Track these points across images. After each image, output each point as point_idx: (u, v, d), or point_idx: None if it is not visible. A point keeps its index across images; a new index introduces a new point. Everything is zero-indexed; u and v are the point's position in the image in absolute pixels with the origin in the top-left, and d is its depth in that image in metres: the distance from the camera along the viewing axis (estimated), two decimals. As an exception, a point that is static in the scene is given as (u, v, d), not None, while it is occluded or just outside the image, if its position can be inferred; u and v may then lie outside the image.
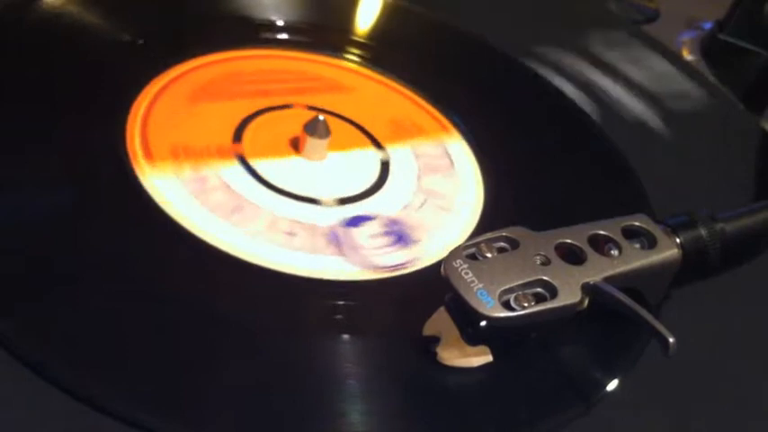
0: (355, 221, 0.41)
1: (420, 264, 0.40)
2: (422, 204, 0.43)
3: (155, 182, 0.40)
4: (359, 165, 0.44)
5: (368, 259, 0.39)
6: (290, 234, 0.39)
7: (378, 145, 0.45)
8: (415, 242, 0.41)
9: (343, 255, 0.39)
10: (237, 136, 0.43)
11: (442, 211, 0.43)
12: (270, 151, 0.43)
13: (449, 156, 0.46)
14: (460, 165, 0.46)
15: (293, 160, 0.43)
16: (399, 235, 0.41)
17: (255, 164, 0.42)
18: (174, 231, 0.38)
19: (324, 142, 0.43)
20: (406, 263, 0.40)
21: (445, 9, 0.55)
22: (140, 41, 0.46)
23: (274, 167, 0.42)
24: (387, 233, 0.41)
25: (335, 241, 0.39)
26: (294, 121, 0.44)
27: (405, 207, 0.42)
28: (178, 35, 0.48)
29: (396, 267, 0.39)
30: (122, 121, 0.42)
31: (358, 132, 0.46)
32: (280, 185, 0.41)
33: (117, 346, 0.33)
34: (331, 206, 0.41)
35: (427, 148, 0.46)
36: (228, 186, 0.41)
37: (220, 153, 0.42)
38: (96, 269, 0.36)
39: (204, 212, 0.39)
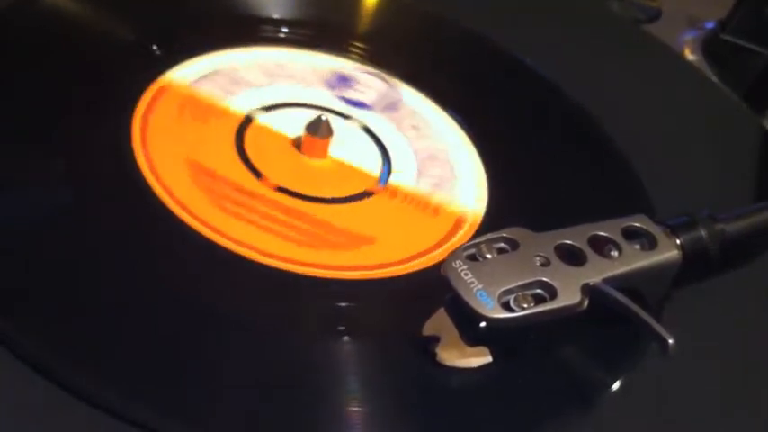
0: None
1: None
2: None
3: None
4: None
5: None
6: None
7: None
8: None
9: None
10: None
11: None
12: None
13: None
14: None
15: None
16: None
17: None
18: (177, 229, 0.38)
19: (326, 141, 0.43)
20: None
21: (447, 7, 0.55)
22: (155, 47, 0.47)
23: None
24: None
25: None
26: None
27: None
28: (180, 34, 0.48)
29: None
30: (126, 120, 0.42)
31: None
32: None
33: (117, 346, 0.33)
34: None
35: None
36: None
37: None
38: (97, 269, 0.36)
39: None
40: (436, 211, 0.43)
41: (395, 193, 0.43)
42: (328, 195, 0.42)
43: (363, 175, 0.44)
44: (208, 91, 0.45)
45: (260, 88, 0.46)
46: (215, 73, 0.47)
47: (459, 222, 0.42)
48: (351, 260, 0.39)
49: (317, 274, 0.38)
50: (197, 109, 0.44)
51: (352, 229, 0.41)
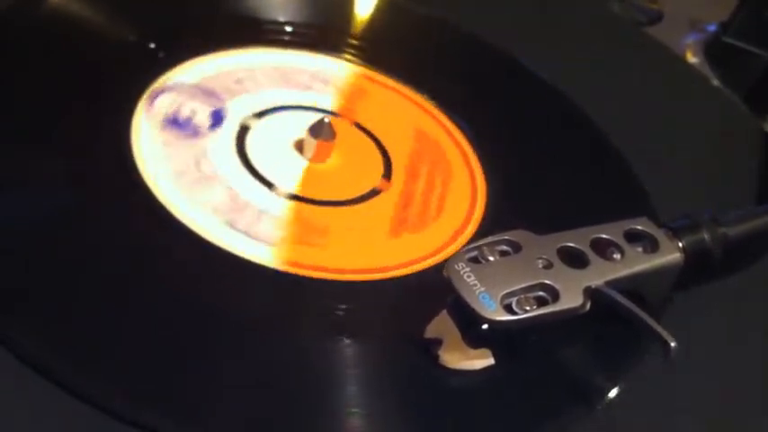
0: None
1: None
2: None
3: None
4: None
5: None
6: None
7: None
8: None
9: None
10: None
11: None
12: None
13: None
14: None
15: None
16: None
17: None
18: (176, 230, 0.38)
19: (329, 144, 0.43)
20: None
21: (446, 10, 0.55)
22: (152, 45, 0.46)
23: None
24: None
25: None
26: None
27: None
28: (183, 34, 0.48)
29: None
30: (127, 121, 0.42)
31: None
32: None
33: (117, 346, 0.33)
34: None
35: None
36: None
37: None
38: (97, 269, 0.36)
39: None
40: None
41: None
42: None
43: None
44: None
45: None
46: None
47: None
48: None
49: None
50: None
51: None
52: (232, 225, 0.39)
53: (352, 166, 0.44)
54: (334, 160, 0.43)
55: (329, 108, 0.46)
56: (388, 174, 0.44)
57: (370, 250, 0.40)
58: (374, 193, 0.43)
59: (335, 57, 0.50)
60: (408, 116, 0.48)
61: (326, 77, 0.48)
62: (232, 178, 0.41)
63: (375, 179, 0.43)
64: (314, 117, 0.44)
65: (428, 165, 0.45)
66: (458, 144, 0.47)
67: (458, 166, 0.45)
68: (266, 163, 0.42)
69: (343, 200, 0.42)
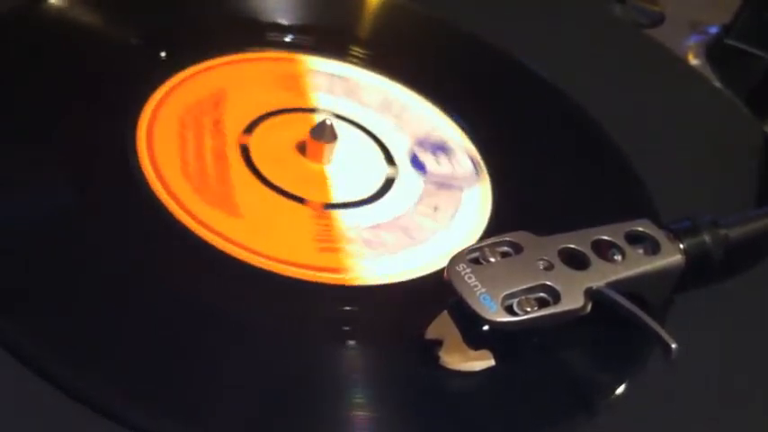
0: (417, 164, 0.44)
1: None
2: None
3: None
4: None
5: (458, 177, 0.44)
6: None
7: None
8: (444, 142, 0.45)
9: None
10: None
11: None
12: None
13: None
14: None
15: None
16: (435, 147, 0.44)
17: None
18: (178, 232, 0.38)
19: (331, 146, 0.43)
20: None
21: (449, 12, 0.55)
22: (162, 54, 0.46)
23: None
24: (432, 152, 0.44)
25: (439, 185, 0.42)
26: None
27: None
28: (187, 37, 0.48)
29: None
30: (132, 124, 0.42)
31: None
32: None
33: (118, 347, 0.33)
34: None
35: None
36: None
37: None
38: (97, 270, 0.36)
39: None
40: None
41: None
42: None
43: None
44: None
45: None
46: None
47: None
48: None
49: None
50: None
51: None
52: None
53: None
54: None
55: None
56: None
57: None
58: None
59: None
60: None
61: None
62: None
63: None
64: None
65: None
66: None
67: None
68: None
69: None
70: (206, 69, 0.47)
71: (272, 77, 0.48)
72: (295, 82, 0.48)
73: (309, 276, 0.38)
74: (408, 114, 0.48)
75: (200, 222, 0.39)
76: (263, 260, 0.38)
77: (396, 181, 0.44)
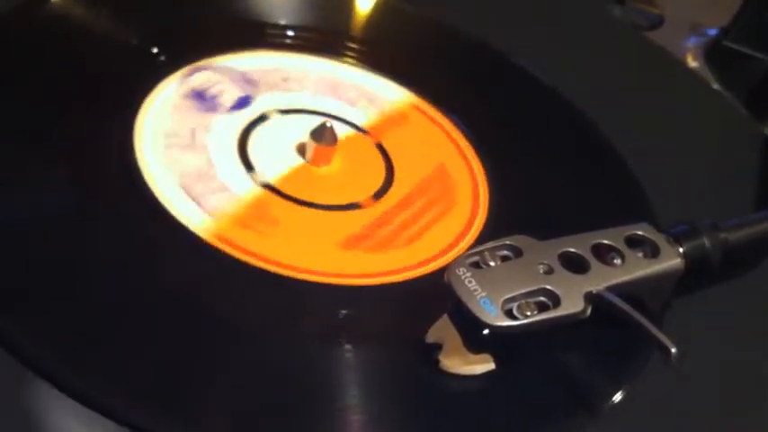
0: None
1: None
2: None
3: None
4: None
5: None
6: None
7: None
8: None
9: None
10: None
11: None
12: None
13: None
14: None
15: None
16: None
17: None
18: (177, 232, 0.38)
19: (329, 149, 0.43)
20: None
21: (447, 13, 0.55)
22: (158, 53, 0.47)
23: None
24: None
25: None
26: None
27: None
28: (186, 37, 0.48)
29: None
30: (130, 123, 0.42)
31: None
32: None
33: (118, 347, 0.33)
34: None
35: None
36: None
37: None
38: (97, 270, 0.36)
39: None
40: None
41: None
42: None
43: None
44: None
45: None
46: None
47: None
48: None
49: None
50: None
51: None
52: (187, 191, 0.39)
53: (348, 178, 0.43)
54: (333, 168, 0.43)
55: (360, 124, 0.46)
56: (380, 195, 0.43)
57: (308, 253, 0.39)
58: (353, 206, 0.42)
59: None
60: (437, 151, 0.47)
61: (374, 97, 0.48)
62: (217, 153, 0.42)
63: (363, 196, 0.43)
64: (338, 126, 0.44)
65: (429, 198, 0.44)
66: (473, 177, 0.46)
67: (463, 201, 0.44)
68: (262, 152, 0.43)
69: (316, 203, 0.41)
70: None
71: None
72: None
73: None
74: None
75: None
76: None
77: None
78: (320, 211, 0.41)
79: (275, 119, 0.45)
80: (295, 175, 0.42)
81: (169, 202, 0.39)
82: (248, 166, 0.42)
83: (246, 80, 0.46)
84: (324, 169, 0.43)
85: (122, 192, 0.39)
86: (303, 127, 0.44)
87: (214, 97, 0.45)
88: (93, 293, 0.35)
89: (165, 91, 0.44)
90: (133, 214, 0.39)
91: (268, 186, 0.41)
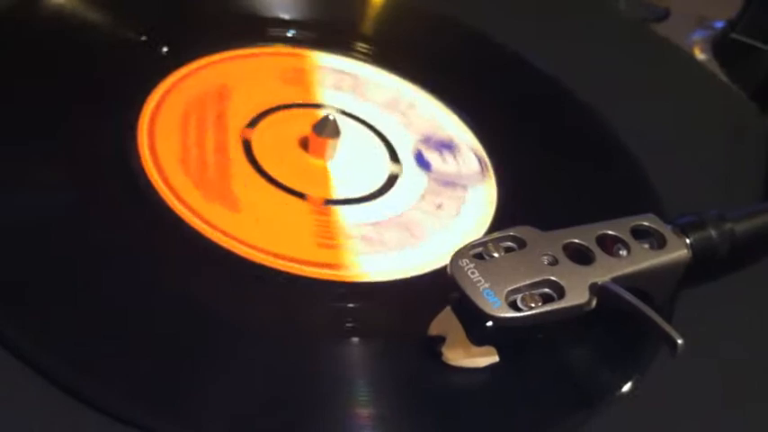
0: (422, 161, 0.44)
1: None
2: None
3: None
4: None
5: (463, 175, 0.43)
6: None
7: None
8: (451, 140, 0.45)
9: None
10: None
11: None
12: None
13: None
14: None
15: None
16: (441, 144, 0.44)
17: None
18: (180, 230, 0.38)
19: (333, 142, 0.43)
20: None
21: (453, 8, 0.55)
22: (143, 38, 0.46)
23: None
24: (437, 150, 0.44)
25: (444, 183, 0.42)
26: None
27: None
28: (187, 34, 0.48)
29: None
30: (133, 121, 0.42)
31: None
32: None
33: (119, 346, 0.33)
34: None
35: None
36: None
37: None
38: (99, 270, 0.35)
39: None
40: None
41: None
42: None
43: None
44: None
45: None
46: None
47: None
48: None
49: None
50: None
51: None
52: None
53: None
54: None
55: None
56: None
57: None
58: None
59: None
60: None
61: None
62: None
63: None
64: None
65: None
66: None
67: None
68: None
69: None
70: (211, 64, 0.46)
71: (278, 72, 0.48)
72: (301, 77, 0.48)
73: (308, 272, 0.37)
74: (415, 112, 0.47)
75: (201, 218, 0.38)
76: (262, 255, 0.38)
77: (399, 178, 0.43)
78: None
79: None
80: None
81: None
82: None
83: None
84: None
85: (123, 187, 0.39)
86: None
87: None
88: (95, 294, 0.34)
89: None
90: (134, 210, 0.38)
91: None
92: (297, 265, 0.38)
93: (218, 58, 0.47)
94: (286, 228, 0.39)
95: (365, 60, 0.50)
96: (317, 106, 0.46)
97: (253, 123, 0.44)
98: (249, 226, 0.39)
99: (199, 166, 0.41)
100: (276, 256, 0.38)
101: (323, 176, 0.42)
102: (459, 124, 0.47)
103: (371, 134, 0.45)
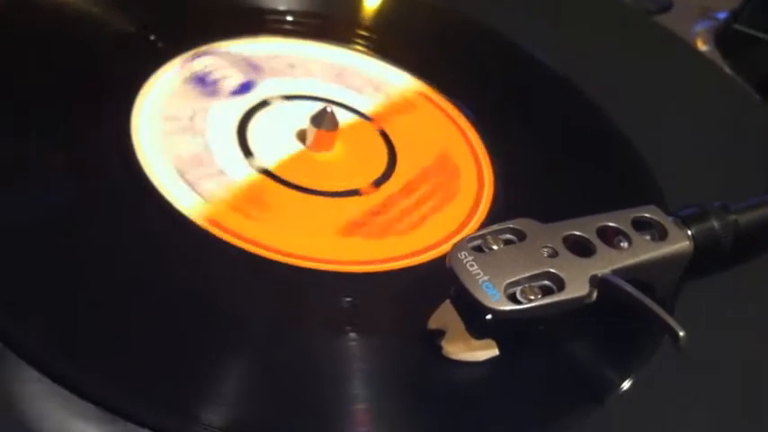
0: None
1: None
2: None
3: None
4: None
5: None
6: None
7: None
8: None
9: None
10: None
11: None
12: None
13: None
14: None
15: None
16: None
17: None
18: (178, 225, 0.38)
19: (329, 134, 0.43)
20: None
21: (457, 0, 0.54)
22: (139, 31, 0.46)
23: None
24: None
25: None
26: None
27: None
28: (183, 24, 0.48)
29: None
30: (127, 113, 0.41)
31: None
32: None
33: (119, 345, 0.33)
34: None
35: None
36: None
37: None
38: (98, 267, 0.35)
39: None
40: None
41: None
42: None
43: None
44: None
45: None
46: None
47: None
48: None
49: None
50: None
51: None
52: (181, 174, 0.39)
53: (349, 164, 0.43)
54: (334, 155, 0.43)
55: (364, 110, 0.46)
56: (381, 182, 0.42)
57: (306, 239, 0.38)
58: (353, 193, 0.41)
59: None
60: (442, 139, 0.46)
61: (380, 84, 0.48)
62: (215, 138, 0.42)
63: (364, 183, 0.42)
64: (342, 113, 0.44)
65: (432, 185, 0.43)
66: (478, 164, 0.45)
67: (467, 189, 0.44)
68: (261, 138, 0.42)
69: (314, 189, 0.41)
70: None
71: None
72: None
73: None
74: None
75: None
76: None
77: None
78: (318, 197, 0.41)
79: (278, 105, 0.45)
80: (294, 160, 0.42)
81: (163, 186, 0.39)
82: (247, 152, 0.42)
83: (250, 65, 0.46)
84: (324, 155, 0.43)
85: (116, 175, 0.39)
86: (306, 113, 0.43)
87: (216, 82, 0.44)
88: (95, 292, 0.34)
89: (166, 75, 0.44)
90: (125, 197, 0.38)
91: (265, 172, 0.41)
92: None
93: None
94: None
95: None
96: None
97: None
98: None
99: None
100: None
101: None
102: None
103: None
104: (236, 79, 0.45)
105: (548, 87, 0.52)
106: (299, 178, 0.41)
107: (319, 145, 0.42)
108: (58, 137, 0.40)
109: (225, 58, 0.46)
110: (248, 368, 0.33)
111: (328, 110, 0.42)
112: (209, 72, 0.45)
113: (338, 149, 0.43)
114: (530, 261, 0.34)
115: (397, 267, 0.38)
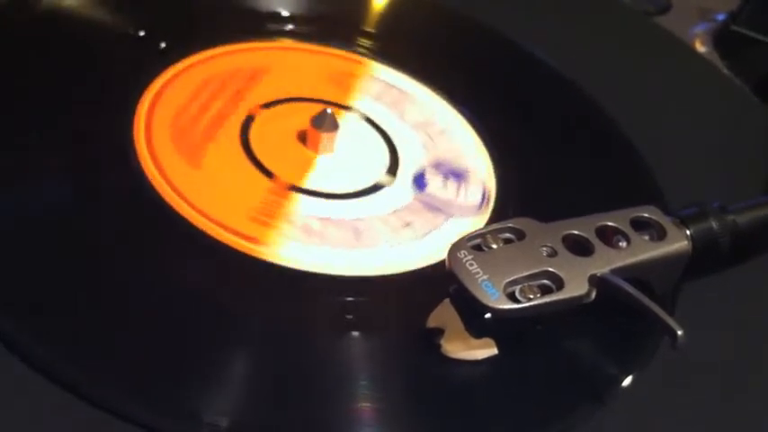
0: (420, 182, 0.42)
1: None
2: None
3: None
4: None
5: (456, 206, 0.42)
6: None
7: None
8: (465, 171, 0.43)
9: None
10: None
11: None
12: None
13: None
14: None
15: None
16: (452, 172, 0.42)
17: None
18: (179, 226, 0.38)
19: (329, 136, 0.43)
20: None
21: (456, 0, 0.54)
22: (141, 34, 0.46)
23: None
24: (444, 176, 0.43)
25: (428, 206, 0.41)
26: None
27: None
28: (184, 28, 0.48)
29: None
30: (129, 115, 0.42)
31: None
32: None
33: (120, 345, 0.33)
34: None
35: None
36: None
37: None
38: (99, 268, 0.35)
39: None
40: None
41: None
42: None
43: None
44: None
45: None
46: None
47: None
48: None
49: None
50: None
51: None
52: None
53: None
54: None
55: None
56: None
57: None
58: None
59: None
60: None
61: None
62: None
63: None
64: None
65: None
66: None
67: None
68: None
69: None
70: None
71: (328, 72, 0.48)
72: (347, 81, 0.47)
73: (224, 238, 0.37)
74: (444, 138, 0.46)
75: (158, 165, 0.39)
76: (191, 212, 0.38)
77: (384, 189, 0.42)
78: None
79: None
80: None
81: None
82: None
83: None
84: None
85: (125, 187, 0.39)
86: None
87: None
88: (96, 292, 0.34)
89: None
90: (125, 196, 0.39)
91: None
92: (218, 229, 0.38)
93: (268, 46, 0.48)
94: (232, 195, 0.39)
95: (418, 78, 0.49)
96: (345, 107, 0.46)
97: (268, 105, 0.44)
98: (198, 184, 0.39)
99: (188, 123, 0.42)
100: (203, 215, 0.38)
101: (305, 166, 0.42)
102: (485, 159, 0.45)
103: (384, 145, 0.45)
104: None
105: (548, 87, 0.52)
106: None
107: (318, 145, 0.43)
108: (58, 136, 0.40)
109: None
110: (248, 368, 0.34)
111: (329, 111, 0.42)
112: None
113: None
114: (529, 260, 0.34)
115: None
